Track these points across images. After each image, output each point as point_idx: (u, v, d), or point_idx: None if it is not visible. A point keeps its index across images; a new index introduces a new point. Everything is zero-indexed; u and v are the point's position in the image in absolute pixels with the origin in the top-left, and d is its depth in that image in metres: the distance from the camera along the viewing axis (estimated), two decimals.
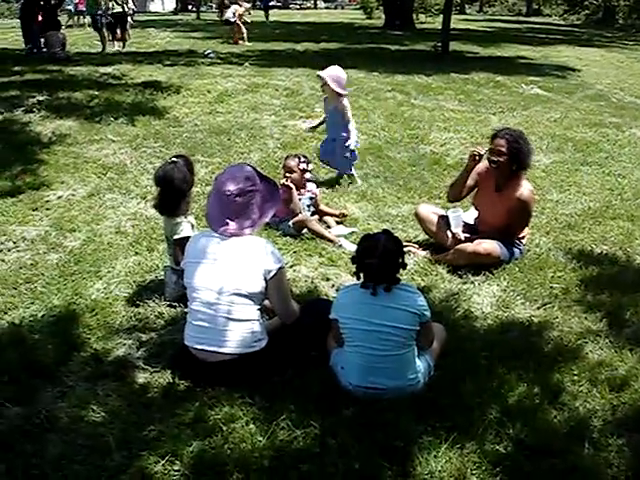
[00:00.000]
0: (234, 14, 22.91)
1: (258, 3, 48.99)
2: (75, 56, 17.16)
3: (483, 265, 5.21)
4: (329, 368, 3.73)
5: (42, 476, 2.97)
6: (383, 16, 35.45)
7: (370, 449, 3.14)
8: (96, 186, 7.16)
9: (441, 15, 23.30)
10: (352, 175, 7.50)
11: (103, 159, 8.16)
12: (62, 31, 17.80)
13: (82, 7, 28.34)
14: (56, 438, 3.22)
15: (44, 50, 17.20)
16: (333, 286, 5.00)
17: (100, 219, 6.20)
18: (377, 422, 3.31)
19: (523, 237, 5.44)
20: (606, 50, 26.12)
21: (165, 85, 12.94)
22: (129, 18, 21.14)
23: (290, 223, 5.83)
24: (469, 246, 5.23)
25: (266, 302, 3.78)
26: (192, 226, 4.60)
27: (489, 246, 5.20)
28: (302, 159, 6.05)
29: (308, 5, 71.74)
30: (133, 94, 12.02)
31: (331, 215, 6.29)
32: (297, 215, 5.85)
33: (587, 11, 53.31)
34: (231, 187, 3.66)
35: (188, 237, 4.43)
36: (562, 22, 50.43)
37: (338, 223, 6.23)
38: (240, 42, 22.06)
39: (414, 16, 35.63)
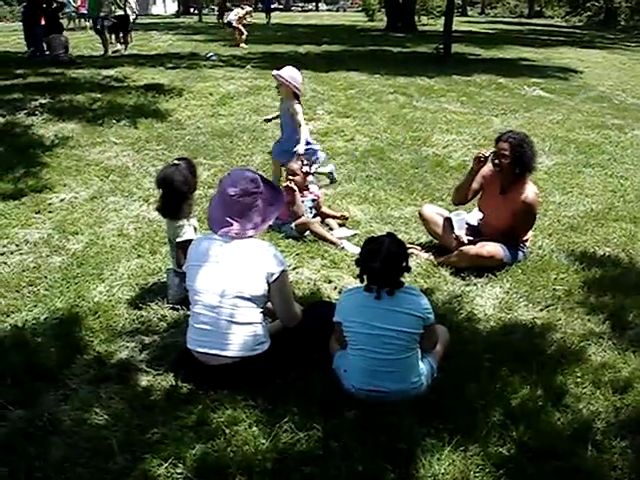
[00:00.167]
0: (236, 16, 22.93)
1: (260, 5, 49.02)
2: (77, 59, 17.17)
3: (486, 267, 5.21)
4: (332, 371, 3.73)
5: (45, 479, 2.97)
6: (385, 18, 35.47)
7: (373, 452, 3.14)
8: (98, 189, 7.17)
9: (443, 17, 23.30)
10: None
11: (105, 162, 8.17)
12: (64, 34, 17.79)
13: (84, 10, 28.32)
14: (59, 441, 3.22)
15: (47, 53, 17.22)
16: (335, 288, 5.00)
17: (103, 222, 6.21)
18: (380, 424, 3.31)
19: (527, 240, 5.44)
20: (608, 52, 26.11)
21: (167, 88, 12.96)
22: (131, 19, 21.14)
23: (292, 225, 5.84)
24: (472, 248, 5.23)
25: (268, 305, 3.77)
26: (195, 229, 4.60)
27: (492, 248, 5.19)
28: (305, 162, 6.07)
29: (310, 7, 71.84)
30: (135, 97, 12.03)
31: (333, 217, 6.29)
32: (300, 217, 5.85)
33: (589, 13, 53.31)
34: (235, 188, 3.67)
35: (190, 240, 4.44)
36: (564, 24, 50.45)
37: (340, 225, 6.23)
38: (241, 45, 22.06)
39: (416, 18, 35.62)
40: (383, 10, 38.04)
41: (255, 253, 3.66)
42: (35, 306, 4.58)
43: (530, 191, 5.19)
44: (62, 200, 6.78)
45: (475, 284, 5.08)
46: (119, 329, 4.30)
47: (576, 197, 7.29)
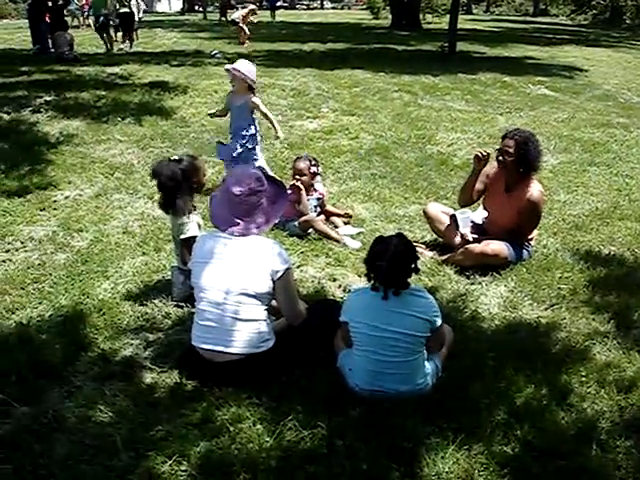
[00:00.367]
0: (241, 15, 22.94)
1: (265, 3, 49.01)
2: (82, 56, 17.19)
3: (491, 266, 5.20)
4: (336, 369, 3.73)
5: (50, 476, 2.98)
6: (390, 16, 35.44)
7: (377, 450, 3.14)
8: (103, 186, 7.18)
9: (448, 15, 23.29)
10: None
11: (110, 159, 8.18)
12: (69, 31, 17.81)
13: (88, 8, 28.37)
14: (63, 438, 3.23)
15: (51, 50, 17.24)
16: (340, 286, 5.00)
17: (107, 219, 6.21)
18: (384, 423, 3.31)
19: (532, 238, 5.43)
20: (613, 50, 26.04)
21: (172, 85, 12.97)
22: (136, 17, 21.16)
23: (296, 223, 5.84)
24: (477, 246, 5.22)
25: (273, 302, 3.77)
26: (199, 226, 4.60)
27: (497, 247, 5.19)
28: (312, 162, 6.05)
29: (315, 5, 71.73)
30: (140, 94, 12.04)
31: (337, 215, 6.29)
32: (305, 215, 5.86)
33: (594, 11, 53.15)
34: (241, 187, 3.67)
35: (194, 237, 4.46)
36: (569, 22, 50.31)
37: (345, 223, 6.23)
38: (246, 43, 22.05)
39: (421, 16, 35.58)
40: (388, 8, 37.98)
41: (260, 251, 3.66)
42: (40, 303, 4.59)
43: (535, 189, 5.18)
44: (67, 197, 6.80)
45: (480, 283, 5.08)
46: (124, 326, 4.31)
47: (581, 196, 7.28)
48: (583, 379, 3.81)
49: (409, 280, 3.63)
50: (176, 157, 4.63)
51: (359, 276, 5.12)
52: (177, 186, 4.53)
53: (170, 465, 3.03)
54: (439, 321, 3.60)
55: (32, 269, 5.14)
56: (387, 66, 16.52)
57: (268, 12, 39.75)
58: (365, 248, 5.54)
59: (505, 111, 11.99)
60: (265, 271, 3.60)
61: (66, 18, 20.42)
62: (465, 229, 5.41)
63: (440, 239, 5.79)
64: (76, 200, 6.73)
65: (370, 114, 11.21)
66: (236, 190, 3.67)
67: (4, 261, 5.30)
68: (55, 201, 6.67)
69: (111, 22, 19.70)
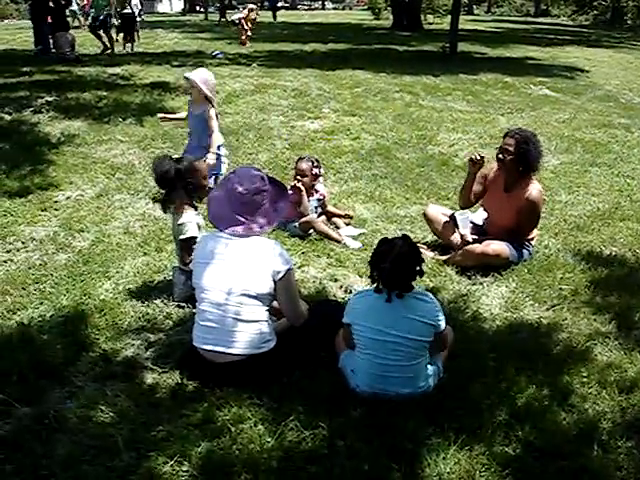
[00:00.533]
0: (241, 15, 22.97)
1: (266, 4, 49.05)
2: (83, 57, 17.20)
3: (492, 266, 5.20)
4: (338, 369, 3.73)
5: (51, 476, 2.98)
6: (391, 17, 35.45)
7: (378, 451, 3.14)
8: (105, 186, 7.18)
9: (449, 16, 23.28)
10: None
11: (112, 159, 8.18)
12: (70, 32, 17.81)
13: (88, 9, 28.33)
14: (65, 438, 3.23)
15: (53, 51, 17.25)
16: (341, 287, 5.00)
17: (109, 219, 6.22)
18: (386, 424, 3.31)
19: (532, 238, 5.43)
20: (615, 51, 26.05)
21: (173, 86, 12.96)
22: (137, 18, 21.18)
23: (297, 224, 5.84)
24: (478, 247, 5.22)
25: (274, 303, 3.77)
26: (199, 227, 4.60)
27: (498, 247, 5.19)
28: (315, 163, 6.03)
29: (316, 6, 71.84)
30: (141, 95, 12.04)
31: (338, 216, 6.28)
32: (306, 216, 5.86)
33: (596, 12, 53.18)
34: (247, 186, 3.67)
35: (194, 237, 4.47)
36: (570, 23, 50.34)
37: (346, 224, 6.22)
38: (247, 43, 22.06)
39: (422, 17, 35.59)
40: (389, 8, 38.00)
41: (261, 251, 3.66)
42: (41, 303, 4.59)
43: (534, 189, 5.18)
44: (68, 198, 6.80)
45: (481, 283, 5.08)
46: (125, 327, 4.31)
47: (582, 196, 7.27)
48: (584, 380, 3.81)
49: (413, 283, 3.62)
50: (175, 156, 4.66)
51: (360, 276, 5.12)
52: (170, 184, 4.56)
53: (171, 465, 3.03)
54: (443, 325, 3.60)
55: (33, 269, 5.14)
56: (388, 67, 16.52)
57: (269, 12, 39.80)
58: (366, 249, 5.56)
59: (506, 112, 11.99)
60: (266, 272, 3.60)
61: (67, 19, 20.42)
62: (465, 230, 5.41)
63: (441, 240, 5.78)
64: (77, 200, 6.73)
65: (371, 114, 11.21)
66: (242, 189, 3.67)
67: (5, 261, 5.30)
68: (56, 201, 6.67)
69: (114, 22, 19.67)
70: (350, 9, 67.44)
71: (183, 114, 7.17)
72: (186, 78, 6.76)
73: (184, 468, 3.03)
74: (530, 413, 3.47)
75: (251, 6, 23.87)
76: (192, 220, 4.58)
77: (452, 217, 5.58)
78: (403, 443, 3.18)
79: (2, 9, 44.87)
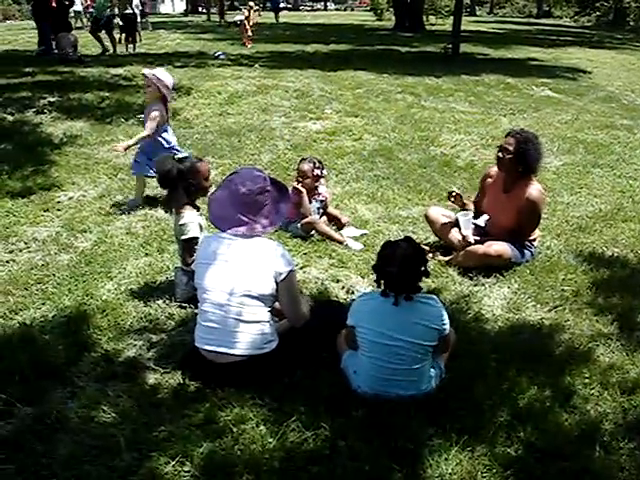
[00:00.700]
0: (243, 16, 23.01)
1: (268, 5, 49.08)
2: (86, 58, 17.22)
3: (494, 267, 5.20)
4: (339, 370, 3.72)
5: (52, 476, 2.98)
6: (393, 18, 35.46)
7: (380, 451, 3.14)
8: (107, 187, 7.19)
9: (451, 17, 23.30)
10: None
11: (114, 160, 8.18)
12: (73, 32, 17.83)
13: (92, 9, 28.34)
14: (66, 438, 3.23)
15: (55, 52, 17.26)
16: (343, 288, 5.00)
17: (111, 220, 6.22)
18: (387, 424, 3.30)
19: (534, 239, 5.43)
20: (617, 52, 26.04)
21: (175, 86, 12.91)
22: (138, 18, 21.19)
23: (298, 225, 5.84)
24: (480, 248, 5.22)
25: (276, 304, 3.77)
26: (201, 227, 4.60)
27: (500, 248, 5.18)
28: (317, 164, 6.02)
29: (318, 7, 71.91)
30: (144, 95, 11.99)
31: (336, 220, 6.23)
32: (307, 217, 5.85)
33: (598, 13, 53.17)
34: (250, 186, 3.67)
35: (195, 238, 4.47)
36: (573, 24, 50.35)
37: (345, 224, 6.19)
38: (249, 44, 22.07)
39: (424, 18, 35.60)
40: (391, 9, 38.02)
41: (263, 252, 3.66)
42: (43, 304, 4.60)
43: (534, 189, 5.19)
44: (70, 198, 6.80)
45: (483, 284, 5.07)
46: (127, 327, 4.31)
47: (584, 197, 7.27)
48: (586, 381, 3.81)
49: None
50: (181, 156, 4.66)
51: (362, 277, 5.13)
52: (172, 184, 4.57)
53: (173, 466, 3.03)
54: (447, 329, 3.59)
55: (35, 270, 5.15)
56: (390, 67, 16.54)
57: (272, 13, 39.81)
58: (368, 249, 5.56)
59: (508, 112, 11.99)
60: (269, 273, 3.60)
61: (71, 19, 20.44)
62: (467, 231, 5.40)
63: (443, 241, 5.78)
64: (80, 201, 6.74)
65: (373, 115, 11.21)
66: (245, 189, 3.66)
67: (8, 262, 5.31)
68: (59, 202, 6.68)
69: (116, 22, 19.68)
70: (352, 10, 67.51)
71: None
72: (144, 75, 6.51)
73: (186, 468, 3.03)
74: (532, 414, 3.47)
75: (251, 3, 23.85)
76: (194, 220, 4.58)
77: (456, 220, 5.58)
78: (405, 444, 3.18)
79: (4, 10, 44.92)
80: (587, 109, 12.61)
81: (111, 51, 19.29)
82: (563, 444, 3.25)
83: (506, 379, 3.78)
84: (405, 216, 6.52)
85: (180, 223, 4.58)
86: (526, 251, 5.35)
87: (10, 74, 13.97)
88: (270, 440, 3.21)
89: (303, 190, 5.87)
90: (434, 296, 3.76)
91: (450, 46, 20.00)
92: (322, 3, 73.84)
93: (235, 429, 3.28)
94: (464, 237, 5.39)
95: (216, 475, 2.99)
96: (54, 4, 17.24)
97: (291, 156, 8.49)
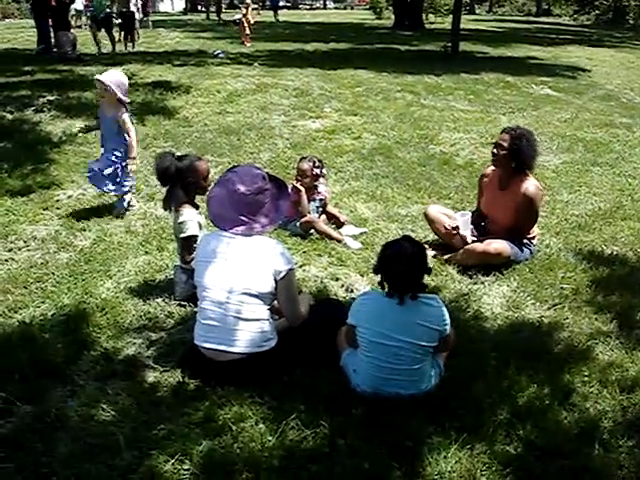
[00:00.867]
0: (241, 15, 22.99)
1: (268, 3, 49.07)
2: (85, 56, 17.20)
3: (493, 265, 5.20)
4: (339, 368, 3.73)
5: (52, 475, 2.98)
6: (392, 16, 35.44)
7: (379, 449, 3.14)
8: None
9: (451, 15, 23.29)
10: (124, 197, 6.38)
11: None
12: (72, 31, 17.81)
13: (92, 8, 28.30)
14: (66, 437, 3.23)
15: (54, 50, 17.24)
16: (342, 286, 5.00)
17: (110, 218, 6.21)
18: (386, 422, 3.31)
19: (533, 237, 5.43)
20: (616, 50, 26.03)
21: (175, 85, 12.97)
22: (137, 16, 21.17)
23: (297, 223, 5.84)
24: (479, 246, 5.22)
25: (275, 302, 3.77)
26: (200, 226, 4.61)
27: (499, 246, 5.19)
28: (316, 163, 6.01)
29: (317, 5, 71.87)
30: (143, 94, 12.04)
31: (335, 218, 6.22)
32: (305, 216, 5.85)
33: (597, 11, 53.16)
34: (249, 186, 3.67)
35: (194, 236, 4.48)
36: (572, 22, 50.32)
37: (344, 223, 6.19)
38: (248, 42, 22.05)
39: (424, 16, 35.58)
40: (391, 8, 38.00)
41: (263, 250, 3.66)
42: (42, 302, 4.59)
43: (531, 184, 5.20)
44: (70, 197, 6.80)
45: (482, 282, 5.08)
46: (126, 325, 4.31)
47: (584, 196, 7.27)
48: (586, 379, 3.81)
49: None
50: (178, 154, 4.68)
51: (362, 275, 5.13)
52: (171, 181, 4.61)
53: (172, 464, 3.03)
54: (449, 330, 3.60)
55: (35, 268, 5.15)
56: (390, 66, 16.52)
57: (271, 12, 39.79)
58: (367, 248, 5.56)
59: (508, 111, 11.98)
60: (268, 271, 3.60)
61: (72, 17, 20.40)
62: (465, 231, 5.40)
63: (442, 240, 5.78)
64: (79, 199, 6.74)
65: (373, 114, 11.21)
66: (244, 189, 3.66)
67: (7, 260, 5.31)
68: (58, 200, 6.67)
69: (115, 21, 19.65)
70: (352, 8, 67.43)
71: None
72: (98, 80, 6.12)
73: (185, 467, 3.03)
74: (531, 412, 3.47)
75: (248, 1, 23.79)
76: (193, 218, 4.58)
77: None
78: (404, 442, 3.18)
79: (3, 8, 44.83)
80: (586, 107, 12.62)
81: (109, 50, 19.24)
82: (562, 442, 3.25)
83: (505, 377, 3.78)
84: (404, 214, 6.53)
85: (179, 221, 4.59)
86: (525, 249, 5.36)
87: (9, 73, 13.94)
88: (269, 438, 3.21)
89: (302, 189, 5.87)
90: (436, 296, 3.76)
91: (449, 45, 19.98)
92: (321, 2, 73.77)
93: (234, 427, 3.28)
94: (462, 237, 5.39)
95: (215, 473, 2.99)
96: (53, 2, 17.19)
97: (290, 155, 8.49)
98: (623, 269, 5.40)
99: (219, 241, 3.71)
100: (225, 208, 3.73)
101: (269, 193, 3.76)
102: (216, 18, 37.97)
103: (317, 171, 6.00)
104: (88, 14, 30.89)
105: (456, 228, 5.38)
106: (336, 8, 68.89)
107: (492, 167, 5.48)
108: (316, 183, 6.07)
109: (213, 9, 41.78)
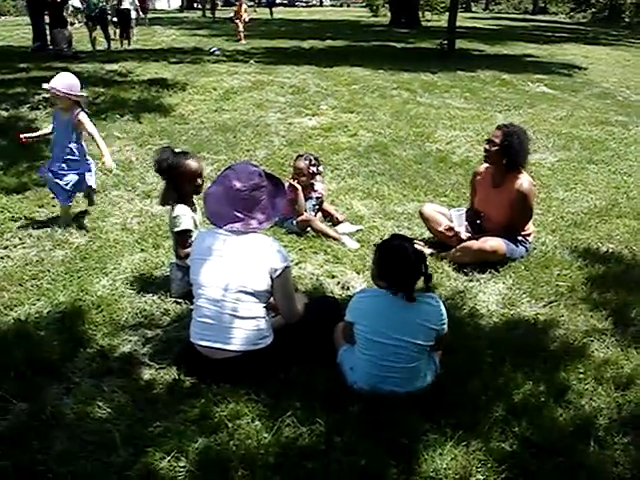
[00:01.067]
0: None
1: (264, 0, 49.00)
2: (81, 53, 17.17)
3: (489, 263, 5.21)
4: (335, 365, 3.73)
5: (48, 472, 2.97)
6: (389, 14, 35.41)
7: (375, 446, 3.14)
8: (102, 183, 7.15)
9: (447, 13, 23.27)
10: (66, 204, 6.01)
11: None
12: (68, 28, 17.77)
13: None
14: (62, 434, 3.23)
15: (50, 47, 17.20)
16: (339, 284, 5.00)
17: (106, 216, 6.21)
18: (382, 419, 3.31)
19: (529, 234, 5.44)
20: (612, 48, 26.04)
21: (171, 82, 12.95)
22: (133, 14, 21.12)
23: (294, 221, 5.83)
24: (475, 243, 5.23)
25: (271, 299, 3.77)
26: (195, 222, 4.60)
27: (495, 243, 5.19)
28: (313, 161, 6.00)
29: (314, 2, 71.76)
30: (139, 91, 12.03)
31: (332, 216, 6.23)
32: (301, 214, 5.85)
33: (593, 9, 53.17)
34: (245, 182, 3.67)
35: (188, 230, 4.47)
36: (568, 20, 50.32)
37: (341, 221, 6.19)
38: (242, 39, 22.03)
39: (420, 14, 35.56)
40: (387, 6, 37.97)
41: (259, 248, 3.65)
42: (38, 300, 4.59)
43: (525, 180, 5.22)
44: None
45: (478, 280, 5.08)
46: (122, 323, 4.31)
47: (580, 193, 7.28)
48: (581, 376, 3.82)
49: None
50: (176, 150, 4.68)
51: (358, 273, 5.13)
52: (163, 176, 4.64)
53: (168, 461, 3.03)
54: (446, 328, 3.61)
55: (30, 266, 5.14)
56: (386, 64, 16.50)
57: (267, 9, 39.74)
58: (363, 245, 5.56)
59: (504, 109, 11.99)
60: (264, 269, 3.60)
61: (70, 15, 20.34)
62: (460, 227, 5.41)
63: (438, 238, 5.78)
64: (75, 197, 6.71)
65: (369, 111, 11.20)
66: (240, 185, 3.66)
67: (2, 258, 5.30)
68: (53, 198, 6.64)
69: (110, 17, 19.61)
70: (348, 6, 67.29)
71: (47, 129, 6.16)
72: (48, 89, 5.81)
73: (181, 464, 3.03)
74: (527, 409, 3.48)
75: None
76: (186, 213, 4.57)
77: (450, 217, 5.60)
78: (400, 439, 3.19)
79: None
80: (582, 105, 12.63)
81: (105, 47, 19.21)
82: (558, 439, 3.26)
83: (501, 374, 3.79)
84: (400, 212, 6.53)
85: (173, 215, 4.60)
86: (521, 247, 5.36)
87: (5, 70, 13.92)
88: (265, 435, 3.21)
89: (299, 187, 5.87)
90: (434, 295, 3.77)
91: (446, 42, 19.96)
92: None
93: (230, 424, 3.28)
94: (457, 233, 5.40)
95: (211, 470, 2.99)
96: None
97: (286, 152, 8.48)
98: (618, 267, 5.41)
99: (215, 238, 3.71)
100: (221, 205, 3.74)
101: (265, 190, 3.76)
102: (210, 15, 37.90)
103: (314, 169, 6.00)
104: (85, 12, 30.98)
105: (452, 229, 5.39)
106: (332, 5, 68.83)
107: (485, 165, 5.51)
108: (313, 181, 6.07)
109: (209, 6, 41.70)
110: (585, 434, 3.31)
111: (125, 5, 20.07)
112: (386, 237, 4.10)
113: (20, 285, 4.82)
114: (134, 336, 4.15)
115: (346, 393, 3.53)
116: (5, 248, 5.48)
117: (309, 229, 5.84)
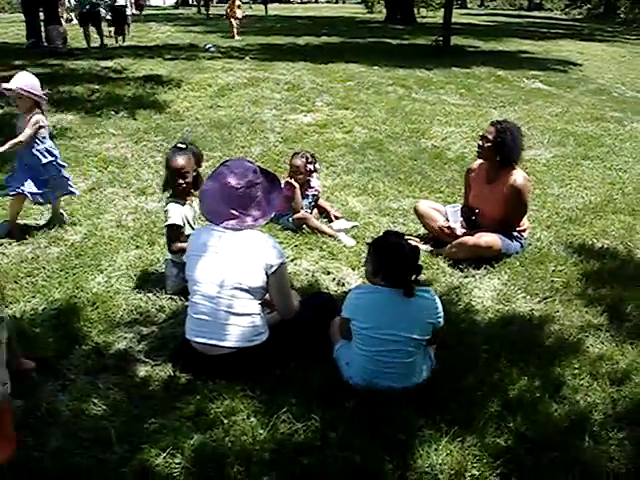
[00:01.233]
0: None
1: None
2: (76, 50, 17.13)
3: (484, 258, 5.21)
4: (331, 361, 3.73)
5: (43, 469, 2.97)
6: (384, 10, 35.41)
7: (371, 442, 3.14)
8: (97, 180, 7.16)
9: (442, 9, 23.26)
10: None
11: (104, 153, 8.15)
12: (63, 25, 17.72)
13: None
14: (57, 431, 3.23)
15: (44, 44, 17.15)
16: (334, 280, 5.00)
17: (101, 213, 6.20)
18: (378, 415, 3.31)
19: (524, 230, 5.45)
20: (607, 44, 26.08)
21: (166, 79, 12.93)
22: (128, 11, 21.07)
23: (290, 218, 5.83)
24: (470, 239, 5.23)
25: (267, 296, 3.77)
26: (185, 217, 4.58)
27: (490, 239, 5.20)
28: (309, 159, 6.00)
29: None
30: (134, 88, 12.01)
31: (327, 212, 6.23)
32: (298, 212, 5.85)
33: (589, 5, 53.29)
34: (240, 180, 3.66)
35: (174, 225, 4.47)
36: (564, 16, 50.41)
37: (337, 218, 6.19)
38: (236, 36, 21.99)
39: (415, 10, 35.57)
40: (382, 2, 37.96)
41: (254, 244, 3.65)
42: (33, 297, 4.58)
43: (519, 175, 5.24)
44: None
45: (473, 276, 5.09)
46: (117, 320, 4.31)
47: (575, 189, 7.29)
48: (576, 371, 3.83)
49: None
50: (184, 145, 4.69)
51: (353, 269, 5.13)
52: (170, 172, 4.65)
53: (164, 458, 3.03)
54: (442, 322, 3.62)
55: (25, 263, 5.13)
56: (381, 60, 16.49)
57: (262, 6, 39.71)
58: (359, 242, 5.56)
59: (499, 105, 12.00)
60: (259, 265, 3.60)
61: (67, 10, 20.28)
62: (455, 223, 5.42)
63: (433, 234, 5.78)
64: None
65: (364, 108, 11.20)
66: (235, 182, 3.66)
67: None
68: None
69: (104, 14, 19.55)
70: (343, 2, 67.27)
71: (19, 138, 5.71)
72: (8, 90, 5.68)
73: (177, 460, 3.03)
74: (522, 405, 3.49)
75: None
76: (175, 208, 4.56)
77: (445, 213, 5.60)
78: (395, 435, 3.19)
79: None
80: (577, 101, 12.64)
81: (99, 44, 19.16)
82: (553, 434, 3.27)
83: (496, 370, 3.79)
84: (396, 208, 6.53)
85: (164, 209, 4.61)
86: (516, 242, 5.37)
87: (0, 67, 13.88)
88: (261, 432, 3.21)
89: (297, 185, 5.87)
90: (429, 288, 3.78)
91: (441, 39, 19.93)
92: None
93: (226, 421, 3.28)
94: (452, 229, 5.41)
95: (207, 467, 2.99)
96: None
97: (282, 149, 8.48)
98: (614, 262, 5.42)
99: (210, 235, 3.71)
100: (217, 202, 3.73)
101: (261, 187, 3.76)
102: (204, 12, 37.85)
103: (310, 167, 6.00)
104: (76, 9, 30.88)
105: (450, 228, 5.40)
106: (328, 2, 68.77)
107: (479, 161, 5.52)
108: (309, 178, 6.07)
109: (204, 3, 41.67)
110: (580, 429, 3.32)
111: (120, 2, 19.99)
112: (379, 234, 4.10)
113: (15, 282, 4.80)
114: (129, 333, 4.15)
115: (342, 389, 3.53)
116: (0, 245, 5.46)
117: (305, 226, 5.84)
